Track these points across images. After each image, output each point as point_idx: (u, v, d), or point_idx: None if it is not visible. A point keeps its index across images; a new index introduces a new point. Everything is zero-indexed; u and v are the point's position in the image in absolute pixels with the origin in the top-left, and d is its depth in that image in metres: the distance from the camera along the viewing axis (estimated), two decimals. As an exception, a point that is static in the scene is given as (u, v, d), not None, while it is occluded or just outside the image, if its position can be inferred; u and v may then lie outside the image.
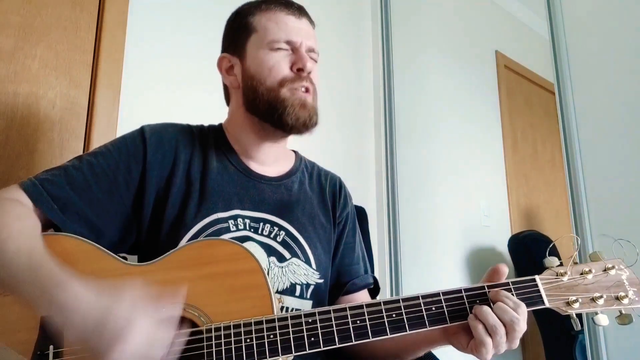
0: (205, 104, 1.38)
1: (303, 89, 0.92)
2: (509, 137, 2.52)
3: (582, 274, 0.76)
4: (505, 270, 0.77)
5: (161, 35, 1.50)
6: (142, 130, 0.92)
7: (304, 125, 0.92)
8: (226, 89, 1.03)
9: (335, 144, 1.95)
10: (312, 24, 0.99)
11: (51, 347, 0.67)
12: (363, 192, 2.03)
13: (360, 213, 1.35)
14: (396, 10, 2.22)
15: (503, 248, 2.21)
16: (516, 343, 0.72)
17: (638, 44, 1.42)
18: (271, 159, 1.00)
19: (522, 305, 0.73)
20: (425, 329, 0.73)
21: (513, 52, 2.63)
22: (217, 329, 0.71)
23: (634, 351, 1.32)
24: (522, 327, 0.71)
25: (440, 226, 2.15)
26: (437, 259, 2.10)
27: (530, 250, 2.04)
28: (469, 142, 2.35)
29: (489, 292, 0.75)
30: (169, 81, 1.49)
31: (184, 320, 0.72)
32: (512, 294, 0.74)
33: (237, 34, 0.97)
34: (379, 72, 2.18)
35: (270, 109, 0.91)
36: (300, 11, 0.97)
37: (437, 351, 1.00)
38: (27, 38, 1.24)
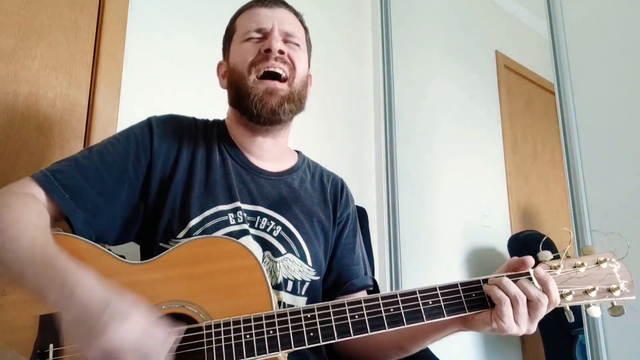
0: (205, 103, 1.38)
1: (272, 67, 0.91)
2: (509, 137, 2.52)
3: (574, 267, 0.78)
4: (529, 262, 0.78)
5: (161, 35, 1.50)
6: (149, 121, 0.94)
7: (272, 113, 0.91)
8: None
9: (335, 144, 1.95)
10: (294, 13, 1.01)
11: (51, 345, 0.68)
12: (363, 192, 2.03)
13: (361, 213, 1.35)
14: (396, 10, 2.22)
15: (503, 248, 2.21)
16: (534, 325, 0.73)
17: (638, 43, 1.42)
18: (270, 155, 1.00)
19: (551, 280, 0.74)
20: (443, 319, 0.74)
21: (513, 52, 2.63)
22: (217, 326, 0.71)
23: (634, 351, 1.31)
24: (545, 302, 0.72)
25: (440, 226, 2.15)
26: (437, 259, 2.10)
27: (530, 250, 2.03)
28: (469, 142, 2.35)
29: (483, 285, 0.76)
30: (169, 81, 1.49)
31: (183, 318, 0.73)
32: None
33: (225, 40, 1.03)
34: (379, 72, 2.18)
35: (238, 97, 0.93)
36: (275, 3, 0.98)
37: (435, 350, 1.00)
38: (27, 38, 1.24)
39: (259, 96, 0.90)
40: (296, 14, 1.02)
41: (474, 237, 2.23)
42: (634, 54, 1.43)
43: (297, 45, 0.97)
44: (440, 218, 2.15)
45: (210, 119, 1.05)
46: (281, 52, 0.92)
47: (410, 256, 1.99)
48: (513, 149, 2.54)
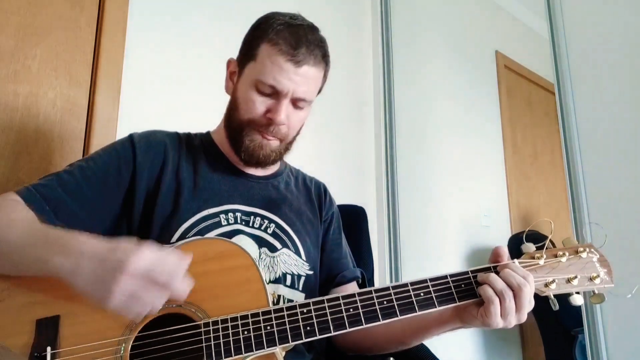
0: (204, 104, 1.38)
1: (269, 135, 0.92)
2: (509, 137, 2.52)
3: (556, 256, 0.81)
4: (503, 251, 0.81)
5: (161, 35, 1.50)
6: (130, 137, 0.96)
7: (257, 163, 0.96)
8: None
9: (336, 144, 1.95)
10: (318, 67, 0.93)
11: (48, 348, 0.68)
12: (363, 192, 2.03)
13: (360, 213, 1.36)
14: (396, 10, 2.23)
15: (503, 248, 2.20)
16: (524, 315, 0.76)
17: (638, 43, 1.42)
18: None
19: (530, 275, 0.76)
20: (434, 309, 0.76)
21: (513, 52, 2.63)
22: (215, 323, 0.72)
23: (634, 351, 1.31)
24: (528, 292, 0.74)
25: (440, 226, 2.15)
26: (437, 258, 2.10)
27: (530, 250, 2.03)
28: (469, 142, 2.35)
29: (473, 276, 0.79)
30: (169, 81, 1.49)
31: (181, 317, 0.73)
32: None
33: (247, 48, 0.94)
34: (379, 72, 2.18)
35: (232, 138, 0.96)
36: (304, 59, 0.89)
37: (435, 349, 1.00)
38: (27, 38, 1.24)
39: (250, 149, 0.93)
40: (324, 61, 0.96)
41: (474, 237, 2.23)
42: (634, 54, 1.43)
43: (302, 108, 0.94)
44: (440, 218, 2.16)
45: (207, 120, 1.07)
46: (280, 124, 0.91)
47: (410, 256, 1.99)
48: (513, 149, 2.54)
